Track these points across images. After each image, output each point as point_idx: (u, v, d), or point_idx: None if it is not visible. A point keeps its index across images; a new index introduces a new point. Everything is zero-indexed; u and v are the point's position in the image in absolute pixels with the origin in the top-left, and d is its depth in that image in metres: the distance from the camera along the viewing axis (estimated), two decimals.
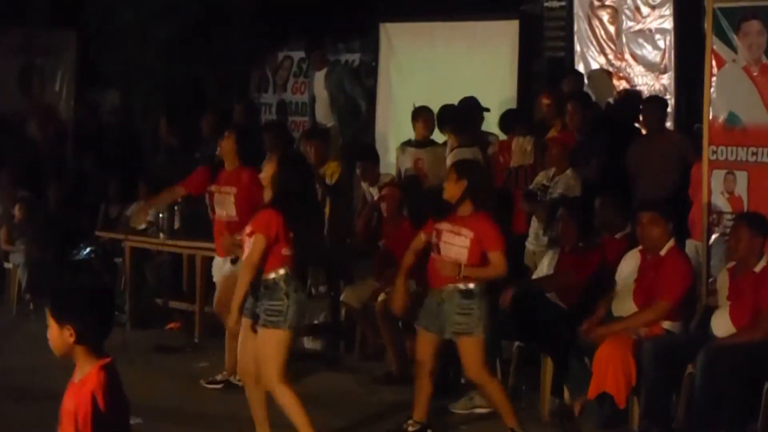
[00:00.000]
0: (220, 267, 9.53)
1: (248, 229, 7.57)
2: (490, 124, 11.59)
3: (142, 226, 11.70)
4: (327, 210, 11.04)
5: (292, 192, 7.54)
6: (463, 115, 11.02)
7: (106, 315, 4.52)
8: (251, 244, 7.44)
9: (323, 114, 13.34)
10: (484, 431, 8.35)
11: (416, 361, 8.12)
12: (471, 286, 7.72)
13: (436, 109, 11.29)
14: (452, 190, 7.88)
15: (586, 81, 11.83)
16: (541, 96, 11.25)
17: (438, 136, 11.47)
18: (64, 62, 15.39)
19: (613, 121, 10.90)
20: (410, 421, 8.07)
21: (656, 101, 10.67)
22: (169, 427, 8.40)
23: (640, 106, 10.64)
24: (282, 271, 7.43)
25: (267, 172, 7.75)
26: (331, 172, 11.19)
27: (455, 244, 7.77)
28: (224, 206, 9.40)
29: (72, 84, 15.33)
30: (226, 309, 8.01)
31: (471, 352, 7.78)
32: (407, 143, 11.49)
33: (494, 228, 7.80)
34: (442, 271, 7.79)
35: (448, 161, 10.49)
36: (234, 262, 8.89)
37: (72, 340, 4.41)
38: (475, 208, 7.83)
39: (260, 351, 7.44)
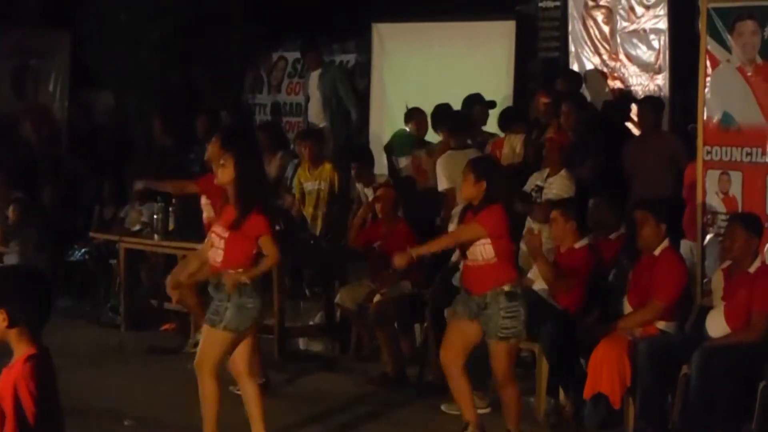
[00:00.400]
0: None
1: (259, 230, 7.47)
2: (490, 123, 11.59)
3: (137, 228, 11.70)
4: (322, 212, 11.06)
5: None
6: (460, 117, 10.99)
7: (40, 300, 4.37)
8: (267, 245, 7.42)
9: (316, 114, 13.34)
10: None
11: (444, 360, 7.81)
12: (511, 287, 7.49)
13: (431, 109, 11.30)
14: (470, 191, 7.63)
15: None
16: (538, 95, 11.25)
17: (432, 136, 11.48)
18: (57, 63, 15.39)
19: (608, 121, 10.91)
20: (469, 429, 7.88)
21: (650, 101, 10.68)
22: (162, 430, 8.39)
23: (633, 107, 10.65)
24: None
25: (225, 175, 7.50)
26: (325, 173, 11.18)
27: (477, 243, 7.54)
28: (208, 209, 9.42)
29: (66, 85, 15.33)
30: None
31: (509, 354, 7.64)
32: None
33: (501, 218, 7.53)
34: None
35: (440, 163, 10.49)
36: None
37: (5, 324, 4.29)
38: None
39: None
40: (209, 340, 7.52)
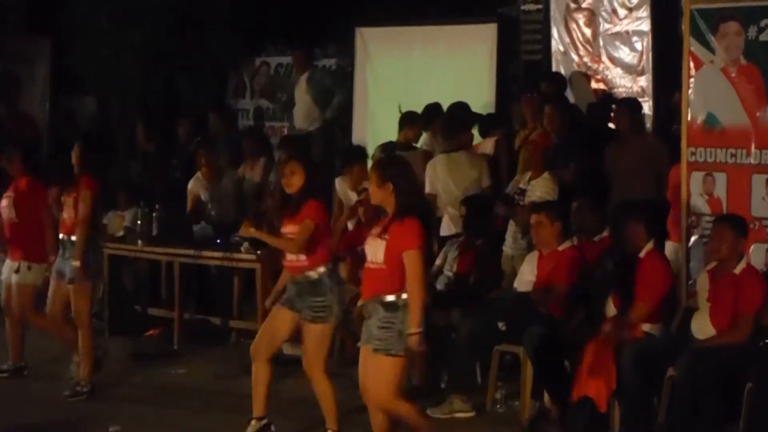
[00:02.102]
0: None
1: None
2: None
3: (120, 233, 11.61)
4: None
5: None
6: (455, 121, 10.87)
7: None
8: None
9: (303, 118, 13.26)
10: None
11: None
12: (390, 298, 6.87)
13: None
14: (377, 194, 7.00)
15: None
16: (522, 97, 11.18)
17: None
18: (39, 69, 15.37)
19: (592, 123, 10.85)
20: None
21: (627, 103, 10.60)
22: None
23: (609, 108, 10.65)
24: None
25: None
26: None
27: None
28: None
29: (47, 91, 15.28)
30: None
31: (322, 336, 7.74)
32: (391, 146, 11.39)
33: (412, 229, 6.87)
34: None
35: (440, 164, 10.40)
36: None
37: None
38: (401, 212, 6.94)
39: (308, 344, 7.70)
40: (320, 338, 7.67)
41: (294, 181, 7.71)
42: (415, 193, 7.10)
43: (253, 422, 7.88)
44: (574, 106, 11.22)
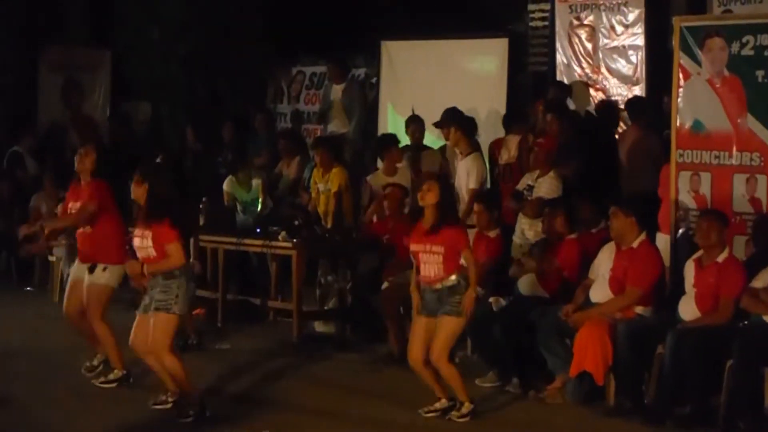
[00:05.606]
0: None
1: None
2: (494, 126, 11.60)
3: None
4: (331, 209, 11.03)
5: None
6: (472, 122, 10.93)
7: None
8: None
9: (338, 123, 13.28)
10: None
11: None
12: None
13: (430, 116, 11.27)
14: (137, 192, 7.87)
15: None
16: (536, 103, 11.23)
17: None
18: (100, 77, 15.47)
19: (591, 127, 10.89)
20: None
21: (638, 99, 10.80)
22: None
23: (617, 114, 10.69)
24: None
25: None
26: (333, 176, 11.13)
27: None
28: None
29: (107, 97, 15.36)
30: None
31: (166, 324, 7.72)
32: (406, 147, 11.47)
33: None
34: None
35: (464, 164, 10.46)
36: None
37: None
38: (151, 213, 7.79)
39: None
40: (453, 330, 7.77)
41: None
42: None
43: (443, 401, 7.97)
44: (573, 112, 11.25)
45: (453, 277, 7.74)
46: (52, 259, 12.73)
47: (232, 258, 11.23)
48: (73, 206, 8.87)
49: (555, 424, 7.92)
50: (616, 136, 10.92)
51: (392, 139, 11.30)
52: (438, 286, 7.77)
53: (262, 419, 7.75)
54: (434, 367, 7.78)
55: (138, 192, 7.90)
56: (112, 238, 8.68)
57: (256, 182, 11.73)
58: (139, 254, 7.88)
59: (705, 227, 8.01)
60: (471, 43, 12.86)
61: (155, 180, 7.87)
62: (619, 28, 11.70)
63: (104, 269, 8.62)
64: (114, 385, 8.59)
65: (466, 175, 10.42)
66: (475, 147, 10.73)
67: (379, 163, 11.54)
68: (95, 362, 8.92)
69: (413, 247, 7.90)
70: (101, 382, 8.62)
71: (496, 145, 11.14)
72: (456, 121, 10.67)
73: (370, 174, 11.42)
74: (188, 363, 7.88)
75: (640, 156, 10.21)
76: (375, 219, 10.70)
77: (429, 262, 7.76)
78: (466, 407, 7.81)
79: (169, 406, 7.93)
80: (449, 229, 7.78)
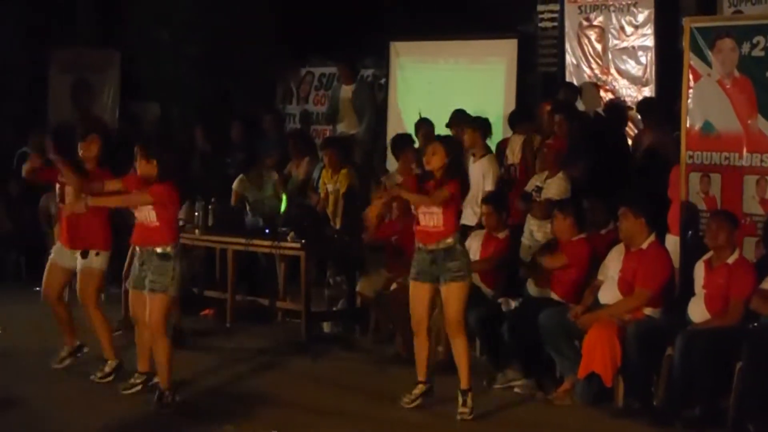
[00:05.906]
0: None
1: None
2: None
3: (180, 224, 11.62)
4: (340, 210, 11.00)
5: None
6: (487, 124, 10.89)
7: None
8: None
9: (347, 124, 13.25)
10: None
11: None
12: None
13: (438, 117, 11.23)
14: (145, 169, 7.94)
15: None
16: (544, 104, 11.19)
17: None
18: (109, 78, 15.47)
19: (600, 129, 10.85)
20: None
21: (649, 99, 10.78)
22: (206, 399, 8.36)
23: (626, 115, 10.63)
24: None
25: None
26: (342, 177, 11.10)
27: None
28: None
29: (117, 97, 15.38)
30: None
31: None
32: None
33: None
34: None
35: (479, 166, 10.40)
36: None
37: None
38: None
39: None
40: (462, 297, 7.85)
41: None
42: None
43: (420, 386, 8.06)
44: (582, 113, 11.21)
45: (450, 239, 7.77)
46: None
47: (241, 258, 11.21)
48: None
49: (563, 425, 7.88)
50: (628, 140, 10.89)
51: (408, 139, 11.25)
52: (433, 246, 7.78)
53: (269, 419, 7.73)
54: (433, 344, 7.89)
55: (147, 168, 7.94)
56: (106, 225, 8.85)
57: (270, 179, 11.75)
58: (138, 217, 7.95)
59: (715, 228, 7.98)
60: (480, 43, 12.85)
61: (163, 155, 7.95)
62: (629, 29, 11.67)
63: (97, 254, 8.76)
64: (112, 378, 8.64)
65: (482, 177, 10.38)
66: (488, 149, 10.70)
67: (388, 164, 11.51)
68: (64, 353, 9.05)
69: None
70: (99, 378, 8.65)
71: (503, 146, 11.10)
72: (474, 123, 10.65)
73: (383, 175, 11.39)
74: (196, 362, 7.87)
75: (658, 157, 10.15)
76: (377, 219, 10.65)
77: (429, 213, 7.83)
78: (470, 400, 7.80)
79: (138, 388, 8.14)
80: (450, 182, 7.80)
